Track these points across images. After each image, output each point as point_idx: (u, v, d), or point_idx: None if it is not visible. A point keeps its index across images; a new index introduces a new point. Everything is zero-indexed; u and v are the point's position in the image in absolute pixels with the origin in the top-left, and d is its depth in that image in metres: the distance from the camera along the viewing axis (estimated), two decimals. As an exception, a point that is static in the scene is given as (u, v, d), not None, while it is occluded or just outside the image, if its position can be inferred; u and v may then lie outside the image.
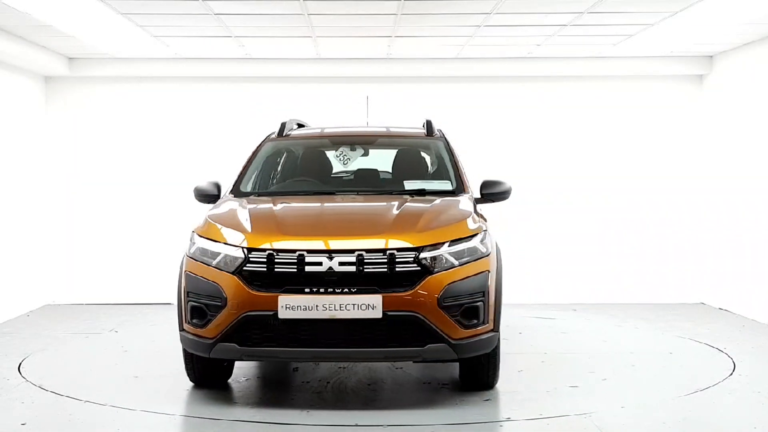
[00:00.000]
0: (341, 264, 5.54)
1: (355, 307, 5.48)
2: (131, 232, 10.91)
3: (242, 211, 6.17)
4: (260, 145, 7.50)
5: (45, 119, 10.90)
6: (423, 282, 5.58)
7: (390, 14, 8.34)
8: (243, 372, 6.83)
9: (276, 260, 5.60)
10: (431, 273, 5.61)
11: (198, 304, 5.78)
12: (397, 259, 5.59)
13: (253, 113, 10.92)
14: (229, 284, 5.63)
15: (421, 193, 6.60)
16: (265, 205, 6.35)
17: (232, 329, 5.60)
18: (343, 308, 5.48)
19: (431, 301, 5.55)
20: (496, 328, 5.87)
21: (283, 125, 7.60)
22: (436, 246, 5.69)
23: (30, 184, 10.53)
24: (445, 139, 7.28)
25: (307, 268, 5.55)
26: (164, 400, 6.05)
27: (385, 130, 7.99)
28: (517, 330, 8.73)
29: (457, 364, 6.31)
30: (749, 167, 9.84)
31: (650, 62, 10.73)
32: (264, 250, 5.65)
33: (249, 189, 6.93)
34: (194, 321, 5.80)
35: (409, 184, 6.78)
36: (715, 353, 7.66)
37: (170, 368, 6.96)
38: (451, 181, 6.79)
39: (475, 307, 5.70)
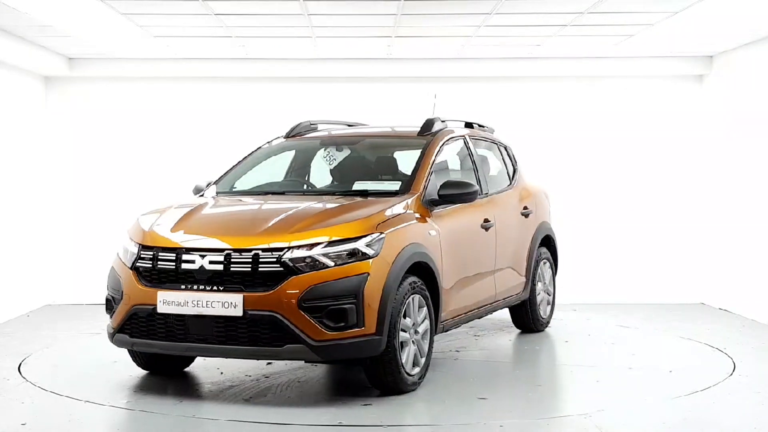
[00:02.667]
0: (211, 263, 5.77)
1: (219, 304, 5.66)
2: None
3: (164, 211, 6.51)
4: (259, 147, 7.71)
5: (45, 119, 10.90)
6: (285, 282, 5.63)
7: (390, 14, 8.34)
8: (243, 370, 6.84)
9: (159, 257, 5.94)
10: (296, 273, 5.63)
11: (109, 296, 6.27)
12: (260, 259, 5.69)
13: (253, 113, 10.93)
14: (127, 279, 6.05)
15: (364, 194, 6.60)
16: (184, 209, 6.51)
17: (125, 320, 6.01)
18: (209, 305, 5.68)
19: (291, 302, 5.59)
20: (378, 332, 5.74)
21: (294, 126, 7.82)
22: (306, 247, 5.70)
23: (30, 184, 10.53)
24: (432, 138, 7.17)
25: (183, 266, 5.84)
26: (164, 399, 6.05)
27: (390, 130, 7.96)
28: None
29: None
30: (749, 167, 9.83)
31: (650, 62, 10.73)
32: (151, 247, 6.02)
33: (226, 189, 7.16)
34: (107, 311, 6.28)
35: (358, 185, 6.86)
36: (715, 353, 7.66)
37: (181, 374, 6.96)
38: (402, 181, 6.74)
39: (342, 309, 5.62)
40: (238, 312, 5.63)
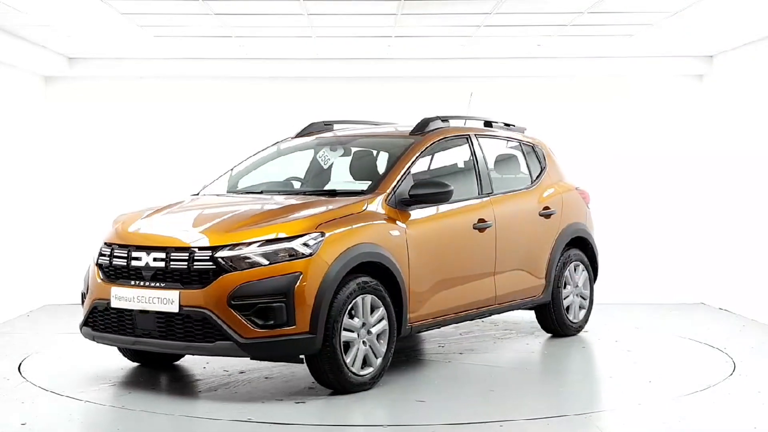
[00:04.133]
0: (155, 260, 5.98)
1: (158, 300, 5.89)
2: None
3: (138, 211, 6.74)
4: (265, 147, 7.89)
5: (45, 119, 10.90)
6: (217, 280, 5.77)
7: (390, 14, 8.34)
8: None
9: (114, 254, 6.21)
10: (227, 271, 5.76)
11: (83, 291, 6.57)
12: (195, 257, 5.85)
13: (252, 113, 10.93)
14: (92, 274, 6.38)
15: (333, 193, 6.70)
16: (152, 209, 6.74)
17: (88, 314, 6.33)
18: (151, 301, 5.92)
19: (221, 299, 5.72)
20: (312, 331, 5.79)
21: (306, 126, 8.02)
22: (238, 245, 5.82)
23: (30, 184, 10.53)
24: (420, 138, 7.14)
25: (132, 263, 6.08)
26: (164, 399, 6.06)
27: (392, 130, 7.87)
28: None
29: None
30: (749, 167, 9.84)
31: (650, 62, 10.73)
32: (110, 244, 6.32)
33: (225, 189, 7.36)
34: (82, 305, 6.53)
35: (330, 185, 7.08)
36: (715, 353, 7.66)
37: (170, 368, 6.98)
38: (372, 181, 6.78)
39: (270, 307, 5.70)
40: (175, 308, 5.82)
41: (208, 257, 5.81)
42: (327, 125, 8.08)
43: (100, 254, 6.34)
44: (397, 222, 6.49)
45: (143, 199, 10.81)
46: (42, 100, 10.86)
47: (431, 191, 6.64)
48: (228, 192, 7.30)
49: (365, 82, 10.95)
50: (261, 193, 7.09)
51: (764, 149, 9.50)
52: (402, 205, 6.59)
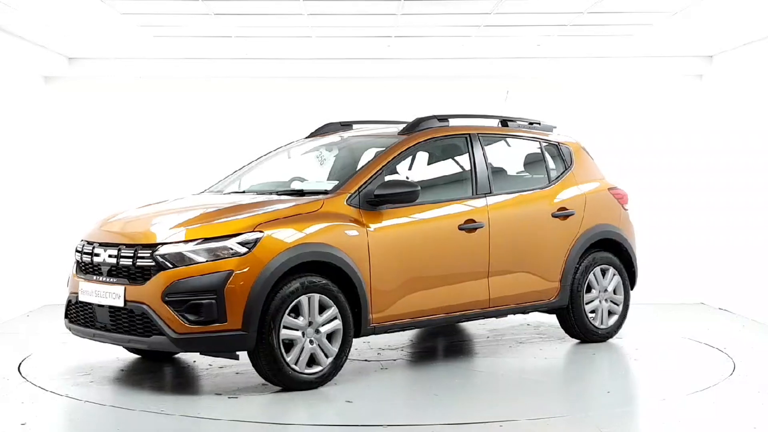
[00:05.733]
0: (110, 257, 6.26)
1: (109, 295, 6.18)
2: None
3: (122, 209, 7.08)
4: (277, 148, 8.05)
5: (45, 119, 10.89)
6: (155, 277, 5.97)
7: (390, 14, 8.34)
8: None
9: (83, 250, 6.54)
10: (165, 268, 5.95)
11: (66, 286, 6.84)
12: (138, 255, 6.09)
13: (252, 112, 10.92)
14: (72, 269, 6.72)
15: (300, 193, 6.76)
16: (133, 208, 7.06)
17: (65, 307, 6.69)
18: (105, 295, 6.21)
19: (157, 295, 5.93)
20: (245, 328, 5.88)
21: (321, 126, 8.14)
22: (177, 243, 6.00)
23: (30, 184, 10.52)
24: (406, 137, 7.10)
25: (94, 259, 6.38)
26: (164, 400, 6.05)
27: (395, 130, 7.81)
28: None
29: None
30: (749, 167, 9.84)
31: (650, 62, 10.73)
32: (83, 241, 6.66)
33: (229, 189, 7.47)
34: None
35: (304, 185, 7.15)
36: (715, 353, 7.66)
37: (170, 368, 6.99)
38: (338, 180, 6.81)
39: (200, 303, 5.84)
40: (120, 303, 6.09)
41: (148, 254, 6.01)
42: (344, 125, 8.07)
43: (76, 250, 6.65)
44: (361, 221, 6.46)
45: (143, 199, 10.82)
46: (42, 100, 10.86)
47: (396, 191, 6.58)
48: (237, 191, 7.34)
49: (365, 81, 10.95)
50: (243, 192, 7.19)
51: (764, 149, 9.50)
52: (368, 205, 6.56)
